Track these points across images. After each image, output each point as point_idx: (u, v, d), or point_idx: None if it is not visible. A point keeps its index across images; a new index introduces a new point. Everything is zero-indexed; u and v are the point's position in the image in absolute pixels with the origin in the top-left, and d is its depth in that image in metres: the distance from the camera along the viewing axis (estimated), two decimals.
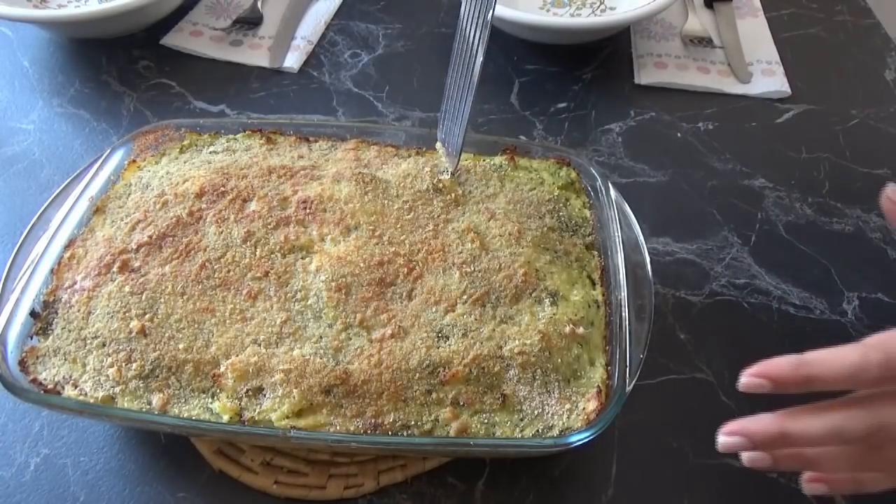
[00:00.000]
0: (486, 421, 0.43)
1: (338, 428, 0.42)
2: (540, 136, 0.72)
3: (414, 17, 0.87)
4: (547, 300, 0.48)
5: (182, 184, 0.53)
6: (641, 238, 0.52)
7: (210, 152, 0.58)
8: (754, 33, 0.84)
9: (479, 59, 0.47)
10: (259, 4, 0.85)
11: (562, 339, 0.46)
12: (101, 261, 0.48)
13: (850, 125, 0.74)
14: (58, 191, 0.53)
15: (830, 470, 0.38)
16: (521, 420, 0.44)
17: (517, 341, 0.45)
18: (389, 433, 0.42)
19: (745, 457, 0.38)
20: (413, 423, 0.43)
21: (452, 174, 0.54)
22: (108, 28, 0.79)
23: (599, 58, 0.81)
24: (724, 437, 0.37)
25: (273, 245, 0.49)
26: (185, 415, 0.43)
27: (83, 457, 0.48)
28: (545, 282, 0.49)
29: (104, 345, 0.45)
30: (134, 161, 0.57)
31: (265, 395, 0.43)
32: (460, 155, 0.52)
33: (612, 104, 0.76)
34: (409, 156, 0.57)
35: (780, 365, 0.36)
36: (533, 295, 0.48)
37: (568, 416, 0.43)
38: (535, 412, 0.44)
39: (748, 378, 0.37)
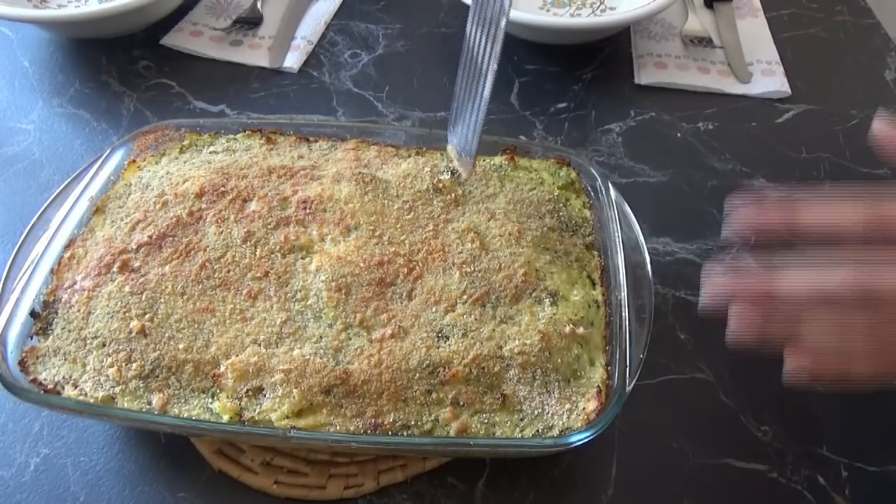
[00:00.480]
0: (486, 421, 0.43)
1: (338, 428, 0.42)
2: (540, 136, 0.72)
3: (414, 17, 0.87)
4: (547, 300, 0.48)
5: (182, 184, 0.53)
6: (641, 238, 0.52)
7: (210, 152, 0.58)
8: (754, 33, 0.84)
9: (493, 66, 0.46)
10: (259, 4, 0.85)
11: (562, 339, 0.46)
12: (101, 261, 0.48)
13: (850, 125, 0.74)
14: (58, 191, 0.53)
15: (816, 336, 0.37)
16: (521, 420, 0.44)
17: (517, 341, 0.45)
18: (389, 433, 0.42)
19: (732, 320, 0.37)
20: (413, 423, 0.43)
21: (466, 179, 0.54)
22: (108, 28, 0.79)
23: (599, 58, 0.81)
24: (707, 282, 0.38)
25: (273, 245, 0.49)
26: (185, 415, 0.43)
27: (83, 457, 0.48)
28: (545, 282, 0.49)
29: (104, 345, 0.45)
30: (134, 161, 0.57)
31: (265, 395, 0.44)
32: (475, 161, 0.51)
33: (612, 104, 0.76)
34: (409, 156, 0.57)
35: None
36: (533, 295, 0.48)
37: (568, 416, 0.43)
38: (535, 412, 0.44)
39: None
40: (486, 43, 0.47)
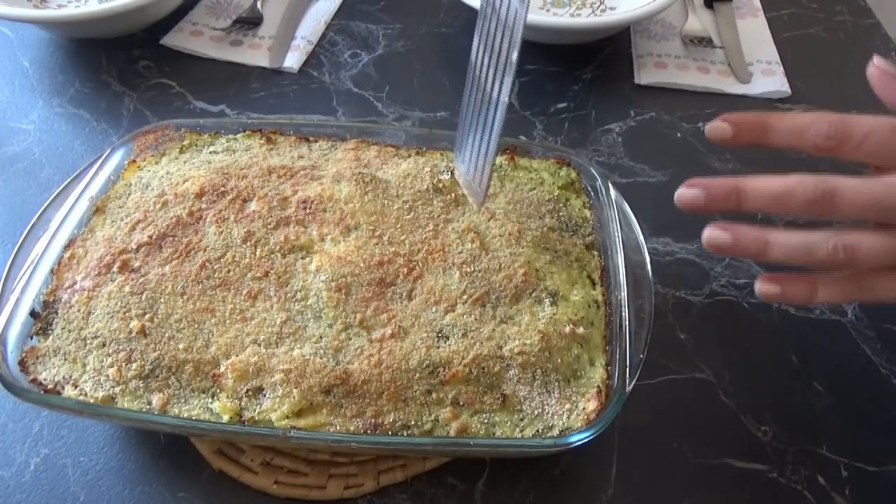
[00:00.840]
0: (486, 421, 0.43)
1: (338, 428, 0.42)
2: (540, 136, 0.72)
3: (414, 17, 0.87)
4: (547, 300, 0.48)
5: (182, 184, 0.53)
6: (641, 238, 0.52)
7: (210, 152, 0.58)
8: (754, 33, 0.84)
9: (504, 99, 0.44)
10: (259, 4, 0.85)
11: (562, 339, 0.46)
12: (101, 261, 0.48)
13: None
14: (58, 191, 0.53)
15: (784, 253, 0.40)
16: (521, 420, 0.44)
17: (517, 341, 0.45)
18: (389, 433, 0.42)
19: (706, 234, 0.41)
20: (413, 423, 0.43)
21: (478, 209, 0.52)
22: (108, 28, 0.79)
23: (599, 58, 0.81)
24: (682, 189, 0.41)
25: (273, 245, 0.49)
26: (185, 415, 0.43)
27: (83, 457, 0.48)
28: (545, 282, 0.49)
29: (104, 345, 0.45)
30: (134, 161, 0.57)
31: (265, 395, 0.44)
32: (487, 191, 0.48)
33: (612, 104, 0.76)
34: (409, 156, 0.57)
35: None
36: (533, 295, 0.48)
37: (568, 416, 0.43)
38: (535, 412, 0.44)
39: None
40: (495, 73, 0.44)
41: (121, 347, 0.45)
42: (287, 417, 0.43)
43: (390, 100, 0.76)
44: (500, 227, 0.51)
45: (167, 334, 0.45)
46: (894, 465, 0.49)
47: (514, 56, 0.42)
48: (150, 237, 0.49)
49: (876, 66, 0.43)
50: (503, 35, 0.43)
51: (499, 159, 0.57)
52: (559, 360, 0.45)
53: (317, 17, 0.85)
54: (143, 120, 0.72)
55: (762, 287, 0.42)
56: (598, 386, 0.44)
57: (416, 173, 0.54)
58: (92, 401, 0.43)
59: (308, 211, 0.51)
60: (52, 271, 0.49)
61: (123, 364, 0.44)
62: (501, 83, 0.44)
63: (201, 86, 0.76)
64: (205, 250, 0.49)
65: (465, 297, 0.47)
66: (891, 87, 0.43)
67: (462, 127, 0.50)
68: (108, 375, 0.44)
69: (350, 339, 0.45)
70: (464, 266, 0.49)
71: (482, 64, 0.46)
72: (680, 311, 0.57)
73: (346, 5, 0.88)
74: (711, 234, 0.41)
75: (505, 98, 0.44)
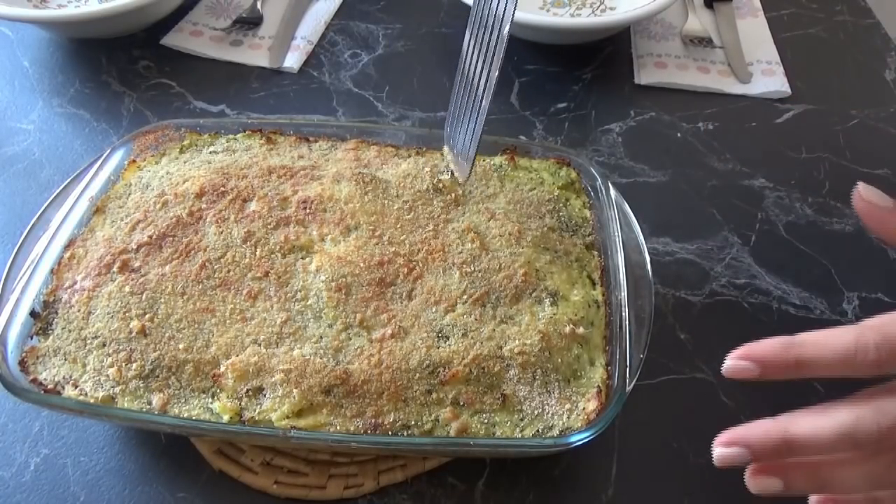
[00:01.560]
0: (486, 421, 0.43)
1: (338, 428, 0.42)
2: (540, 136, 0.72)
3: (414, 17, 0.87)
4: (547, 300, 0.48)
5: (182, 184, 0.53)
6: (641, 238, 0.52)
7: (210, 152, 0.58)
8: (754, 33, 0.84)
9: (495, 73, 0.45)
10: (259, 4, 0.85)
11: (562, 339, 0.46)
12: (101, 261, 0.48)
13: (850, 125, 0.74)
14: (58, 191, 0.53)
15: (846, 488, 0.34)
16: (521, 420, 0.44)
17: (517, 341, 0.45)
18: (389, 433, 0.42)
19: (752, 482, 0.34)
20: (413, 423, 0.43)
21: (463, 183, 0.53)
22: (108, 28, 0.79)
23: (599, 58, 0.81)
24: (721, 449, 0.33)
25: (273, 245, 0.49)
26: (185, 415, 0.43)
27: (83, 457, 0.48)
28: (545, 282, 0.49)
29: (104, 345, 0.45)
30: (134, 161, 0.57)
31: (265, 395, 0.44)
32: (473, 165, 0.51)
33: (612, 104, 0.76)
34: (409, 156, 0.57)
35: (768, 346, 0.33)
36: (533, 295, 0.48)
37: (568, 416, 0.43)
38: (535, 412, 0.44)
39: (733, 361, 0.33)
40: (486, 49, 0.46)
41: (121, 347, 0.45)
42: (287, 417, 0.43)
43: (390, 100, 0.76)
44: (500, 227, 0.51)
45: (167, 334, 0.45)
46: None
47: (506, 31, 0.43)
48: (150, 237, 0.49)
49: (862, 198, 0.36)
50: (497, 7, 0.44)
51: (499, 159, 0.57)
52: (559, 360, 0.45)
53: (317, 17, 0.85)
54: (143, 120, 0.72)
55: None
56: (598, 386, 0.44)
57: (416, 173, 0.54)
58: (92, 401, 0.43)
59: (308, 211, 0.51)
60: (52, 271, 0.49)
61: (123, 364, 0.44)
62: (492, 59, 0.44)
63: (201, 86, 0.76)
64: (205, 250, 0.49)
65: (465, 297, 0.47)
66: (881, 219, 0.36)
67: (453, 103, 0.51)
68: (108, 375, 0.44)
69: (350, 339, 0.45)
70: (464, 266, 0.48)
71: (474, 40, 0.47)
72: (680, 311, 0.57)
73: (346, 5, 0.88)
74: (757, 482, 0.35)
75: (495, 73, 0.44)
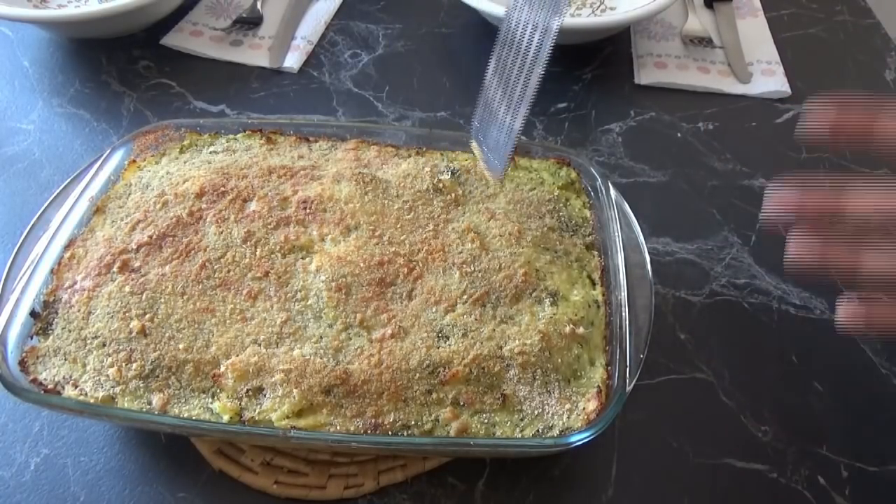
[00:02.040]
0: (486, 421, 0.43)
1: (338, 428, 0.42)
2: (540, 136, 0.72)
3: (414, 17, 0.87)
4: (547, 300, 0.48)
5: (182, 184, 0.53)
6: (641, 238, 0.52)
7: (210, 152, 0.58)
8: (754, 33, 0.84)
9: (539, 70, 0.43)
10: (259, 4, 0.85)
11: (562, 339, 0.46)
12: (101, 261, 0.48)
13: None
14: (58, 191, 0.53)
15: (874, 273, 0.34)
16: (521, 420, 0.44)
17: (517, 341, 0.45)
18: (389, 433, 0.42)
19: (792, 243, 0.35)
20: (413, 423, 0.43)
21: (496, 184, 0.52)
22: (108, 28, 0.79)
23: (599, 58, 0.81)
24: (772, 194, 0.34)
25: (273, 245, 0.49)
26: (185, 415, 0.43)
27: (83, 457, 0.48)
28: (545, 282, 0.49)
29: (104, 345, 0.45)
30: (134, 161, 0.57)
31: (265, 395, 0.44)
32: (508, 163, 0.49)
33: (612, 104, 0.76)
34: (409, 156, 0.57)
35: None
36: (533, 295, 0.48)
37: (568, 416, 0.43)
38: (535, 412, 0.44)
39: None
40: (533, 43, 0.43)
41: (121, 347, 0.45)
42: (287, 417, 0.43)
43: (390, 100, 0.76)
44: (500, 227, 0.51)
45: (167, 334, 0.45)
46: (894, 465, 0.49)
47: (555, 24, 0.41)
48: (150, 237, 0.49)
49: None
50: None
51: None
52: (559, 360, 0.45)
53: (317, 17, 0.85)
54: (143, 120, 0.72)
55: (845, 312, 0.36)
56: (598, 386, 0.44)
57: (416, 173, 0.54)
58: (92, 401, 0.43)
59: (308, 211, 0.51)
60: (52, 271, 0.49)
61: (123, 364, 0.44)
62: (539, 51, 0.42)
63: (201, 86, 0.76)
64: (205, 250, 0.49)
65: (465, 297, 0.47)
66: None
67: (485, 96, 0.48)
68: (108, 375, 0.44)
69: (350, 339, 0.45)
70: (464, 266, 0.49)
71: (523, 28, 0.44)
72: (680, 311, 0.57)
73: (346, 5, 0.88)
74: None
75: (540, 69, 0.42)
